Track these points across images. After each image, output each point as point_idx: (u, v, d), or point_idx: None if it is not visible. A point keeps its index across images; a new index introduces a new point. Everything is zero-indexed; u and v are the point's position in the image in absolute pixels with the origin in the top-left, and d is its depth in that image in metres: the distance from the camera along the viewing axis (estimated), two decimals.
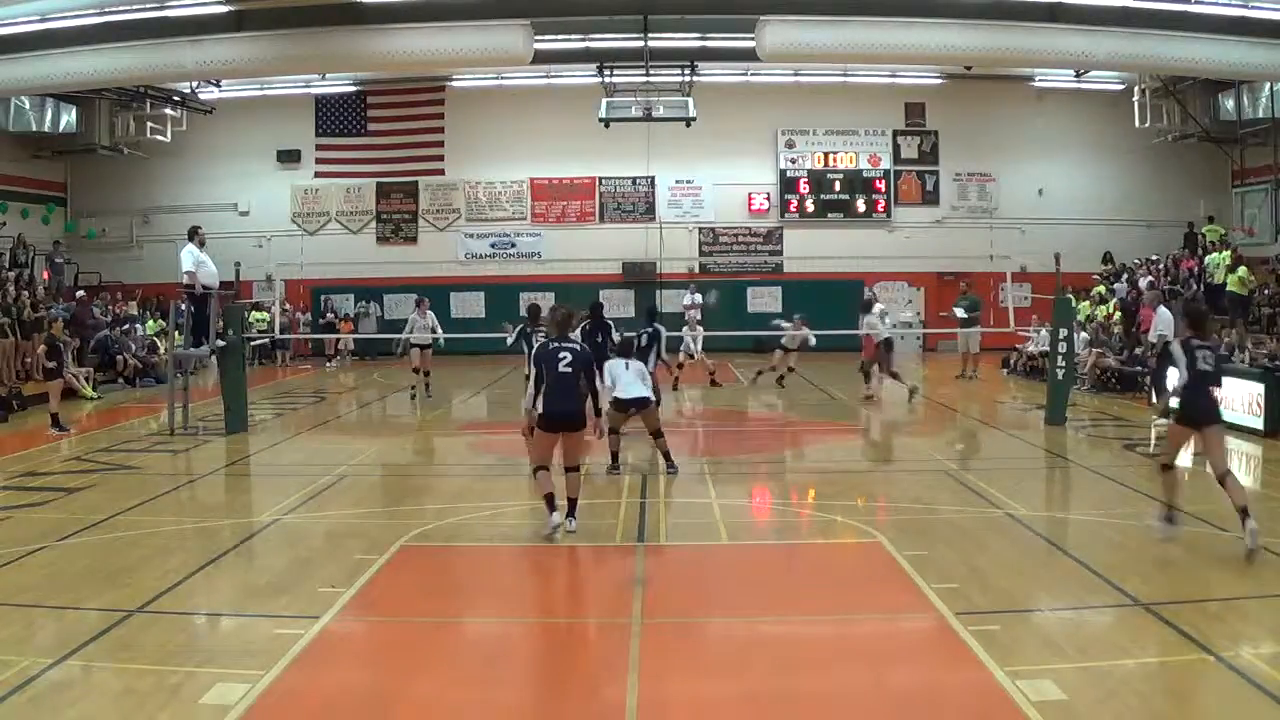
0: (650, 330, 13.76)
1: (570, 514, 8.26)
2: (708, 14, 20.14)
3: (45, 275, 23.65)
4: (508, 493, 10.53)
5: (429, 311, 18.35)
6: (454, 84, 26.87)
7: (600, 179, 27.59)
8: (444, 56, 18.43)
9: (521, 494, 10.68)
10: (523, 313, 14.13)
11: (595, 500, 10.03)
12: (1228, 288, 19.93)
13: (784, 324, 18.85)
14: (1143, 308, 18.18)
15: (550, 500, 8.25)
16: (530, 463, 8.47)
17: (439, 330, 18.38)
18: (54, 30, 17.34)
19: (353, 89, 27.10)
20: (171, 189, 27.06)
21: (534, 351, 8.29)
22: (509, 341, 13.21)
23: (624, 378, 10.69)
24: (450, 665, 5.96)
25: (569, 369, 8.19)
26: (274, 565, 7.81)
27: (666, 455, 10.99)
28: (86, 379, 18.85)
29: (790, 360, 18.90)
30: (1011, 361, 21.73)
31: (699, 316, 23.02)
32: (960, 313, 20.73)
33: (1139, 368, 17.21)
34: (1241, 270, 19.72)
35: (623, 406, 10.74)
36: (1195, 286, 21.55)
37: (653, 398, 11.04)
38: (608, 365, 10.79)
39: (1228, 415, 13.57)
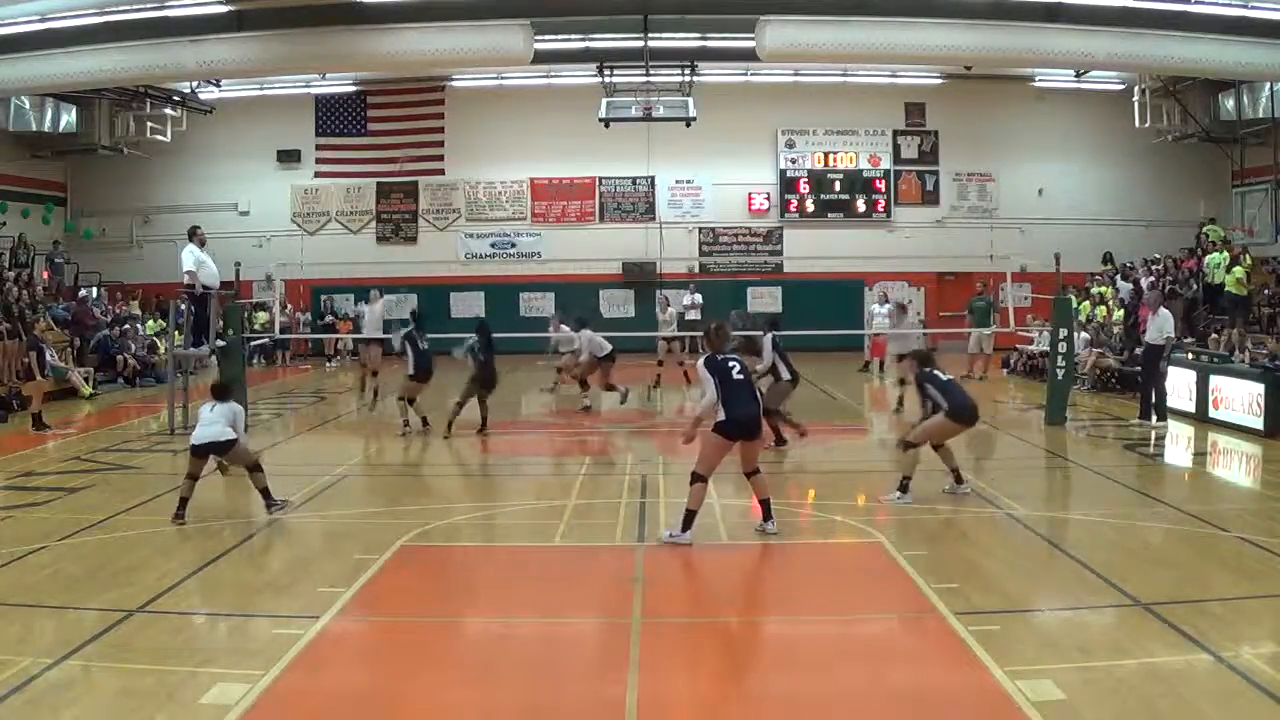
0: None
1: (768, 516, 8.36)
2: (708, 14, 20.11)
3: (45, 275, 23.66)
4: (507, 493, 10.53)
5: (379, 303, 18.17)
6: (454, 84, 26.84)
7: (600, 179, 27.56)
8: (444, 56, 18.43)
9: (521, 494, 10.69)
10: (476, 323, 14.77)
11: (595, 500, 10.04)
12: (1226, 288, 19.95)
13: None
14: (1142, 307, 18.17)
15: (691, 517, 8.09)
16: (697, 469, 8.16)
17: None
18: (54, 30, 17.33)
19: (353, 89, 27.07)
20: (171, 189, 27.04)
21: (704, 362, 8.34)
22: (456, 354, 13.92)
23: (204, 418, 9.34)
24: (450, 665, 5.97)
25: (742, 375, 8.30)
26: (274, 565, 7.82)
27: (264, 492, 9.43)
28: (86, 379, 18.88)
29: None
30: (1012, 361, 21.75)
31: (698, 316, 22.99)
32: (976, 316, 20.74)
33: (1138, 368, 17.20)
34: (1238, 270, 19.72)
35: (198, 453, 9.22)
36: (1194, 286, 21.58)
37: (233, 439, 9.26)
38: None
39: (1228, 415, 13.77)
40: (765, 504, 8.41)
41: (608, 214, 27.56)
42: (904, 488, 9.57)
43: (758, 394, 8.57)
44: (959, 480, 9.82)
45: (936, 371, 9.90)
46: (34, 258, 23.46)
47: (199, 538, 8.56)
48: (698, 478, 8.16)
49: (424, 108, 27.28)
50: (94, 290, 24.26)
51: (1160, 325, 14.45)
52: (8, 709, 5.05)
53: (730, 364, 8.31)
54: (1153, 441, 13.56)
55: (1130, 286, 21.97)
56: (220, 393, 9.72)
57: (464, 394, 13.93)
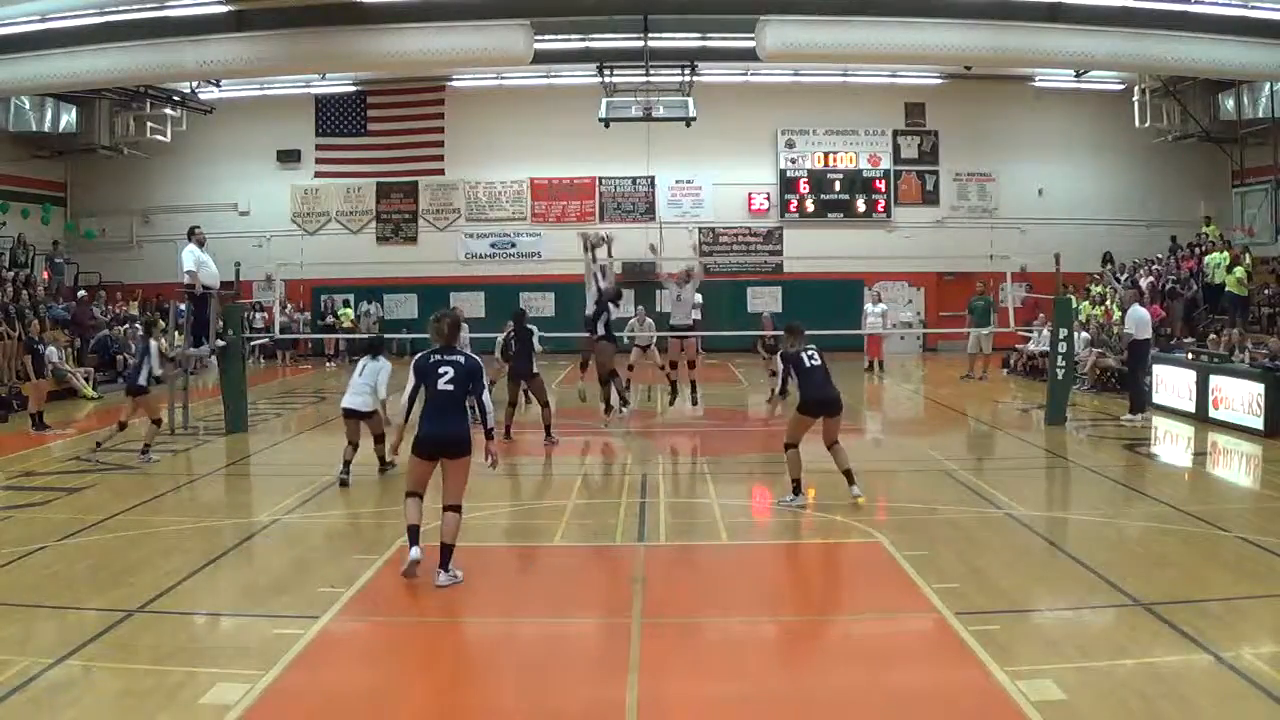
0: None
1: (444, 564, 6.97)
2: (708, 14, 20.14)
3: (45, 275, 23.67)
4: (507, 493, 10.52)
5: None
6: (454, 84, 26.86)
7: (600, 179, 27.58)
8: (444, 56, 18.41)
9: (520, 495, 10.68)
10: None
11: (595, 500, 10.05)
12: (1226, 288, 19.96)
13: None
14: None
15: (414, 532, 7.04)
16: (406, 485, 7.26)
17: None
18: (54, 30, 17.34)
19: (353, 89, 27.09)
20: (171, 189, 27.06)
21: (413, 363, 7.21)
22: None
23: (354, 383, 10.27)
24: (450, 665, 5.97)
25: (450, 385, 7.06)
26: (274, 565, 7.81)
27: (380, 457, 10.38)
28: (86, 378, 18.86)
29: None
30: (1012, 361, 21.77)
31: (699, 316, 22.97)
32: (977, 317, 20.76)
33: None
34: (1239, 270, 19.73)
35: (347, 415, 10.20)
36: (1194, 286, 21.58)
37: (372, 411, 10.19)
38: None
39: (1228, 415, 13.76)
40: (446, 550, 7.03)
41: (608, 214, 27.54)
42: (795, 489, 9.32)
43: (464, 410, 7.18)
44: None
45: (804, 352, 9.32)
46: (34, 258, 23.47)
47: (199, 538, 8.56)
48: (408, 492, 7.13)
49: (424, 108, 27.30)
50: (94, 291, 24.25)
51: (1139, 322, 14.72)
52: (8, 709, 5.05)
53: (443, 369, 7.06)
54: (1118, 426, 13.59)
55: (1126, 287, 21.96)
56: (372, 349, 10.12)
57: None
